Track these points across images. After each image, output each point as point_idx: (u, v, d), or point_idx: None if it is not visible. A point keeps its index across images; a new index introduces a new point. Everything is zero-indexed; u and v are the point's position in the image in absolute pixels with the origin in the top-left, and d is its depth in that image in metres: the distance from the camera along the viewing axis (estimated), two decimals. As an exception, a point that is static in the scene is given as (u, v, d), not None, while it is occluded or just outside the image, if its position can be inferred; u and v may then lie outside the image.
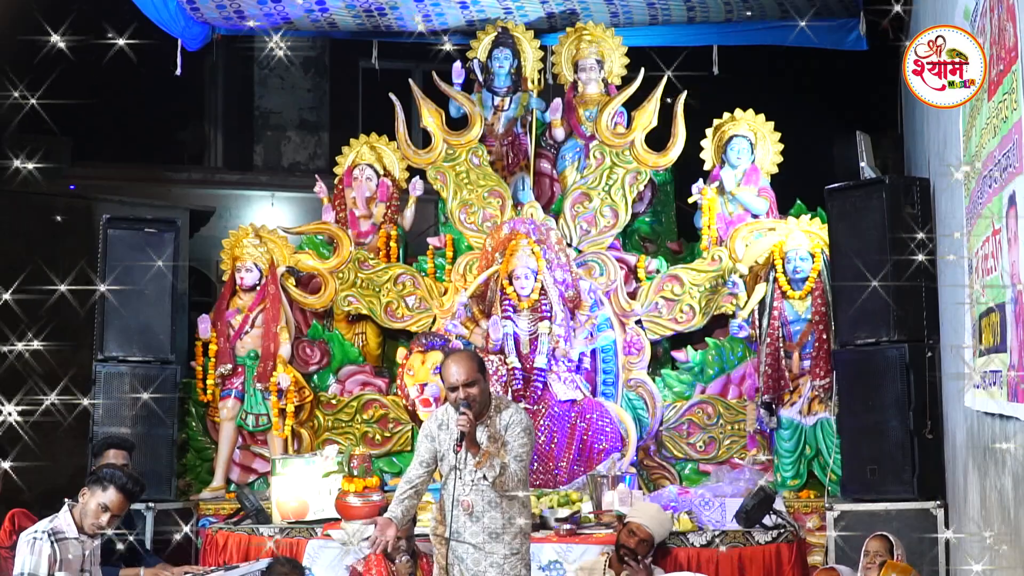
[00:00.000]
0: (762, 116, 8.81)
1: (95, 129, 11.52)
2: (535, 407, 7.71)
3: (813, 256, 7.89)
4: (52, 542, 4.95)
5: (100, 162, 11.94)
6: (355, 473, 7.03)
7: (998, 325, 4.01)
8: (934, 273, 6.73)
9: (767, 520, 6.89)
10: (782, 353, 7.84)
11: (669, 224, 9.37)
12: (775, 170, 8.84)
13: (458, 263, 8.58)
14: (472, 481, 5.11)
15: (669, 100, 8.51)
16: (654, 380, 8.35)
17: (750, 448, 8.07)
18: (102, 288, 7.39)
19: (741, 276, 8.14)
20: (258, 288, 8.42)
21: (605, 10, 9.11)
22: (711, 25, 9.22)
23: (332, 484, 7.14)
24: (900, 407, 6.81)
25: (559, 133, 9.06)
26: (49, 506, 5.35)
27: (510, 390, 7.73)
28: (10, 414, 6.60)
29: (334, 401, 8.47)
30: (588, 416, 7.79)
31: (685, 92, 8.47)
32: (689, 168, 8.91)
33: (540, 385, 7.78)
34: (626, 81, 8.96)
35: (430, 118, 8.78)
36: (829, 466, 7.51)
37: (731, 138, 8.71)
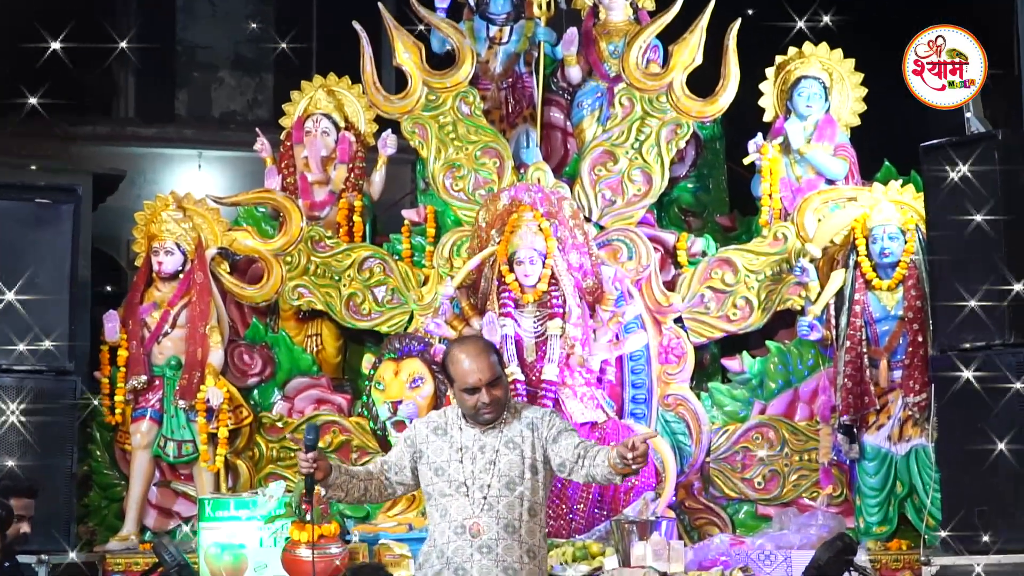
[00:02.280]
0: (839, 52, 8.81)
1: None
2: (543, 431, 7.69)
3: (905, 234, 7.88)
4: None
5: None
6: (308, 518, 7.01)
7: None
8: (1064, 255, 6.72)
9: (846, 578, 6.90)
10: (866, 361, 7.83)
11: (718, 192, 9.37)
12: (856, 122, 8.85)
13: (442, 243, 8.57)
14: (484, 499, 5.12)
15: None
16: (699, 396, 8.36)
17: (824, 485, 8.07)
18: None
19: (812, 260, 8.12)
20: (181, 276, 8.41)
21: (634, -87, 9.12)
22: (772, -68, 9.22)
23: (278, 532, 7.12)
24: (1018, 431, 6.80)
25: (574, 73, 9.04)
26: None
27: (511, 409, 7.71)
28: None
29: (280, 424, 8.46)
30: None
31: (739, 20, 8.47)
32: (744, 119, 8.91)
33: (550, 403, 7.76)
34: (661, 6, 8.93)
35: (406, 54, 8.75)
36: (926, 508, 7.50)
37: (799, 80, 8.71)
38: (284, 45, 12.16)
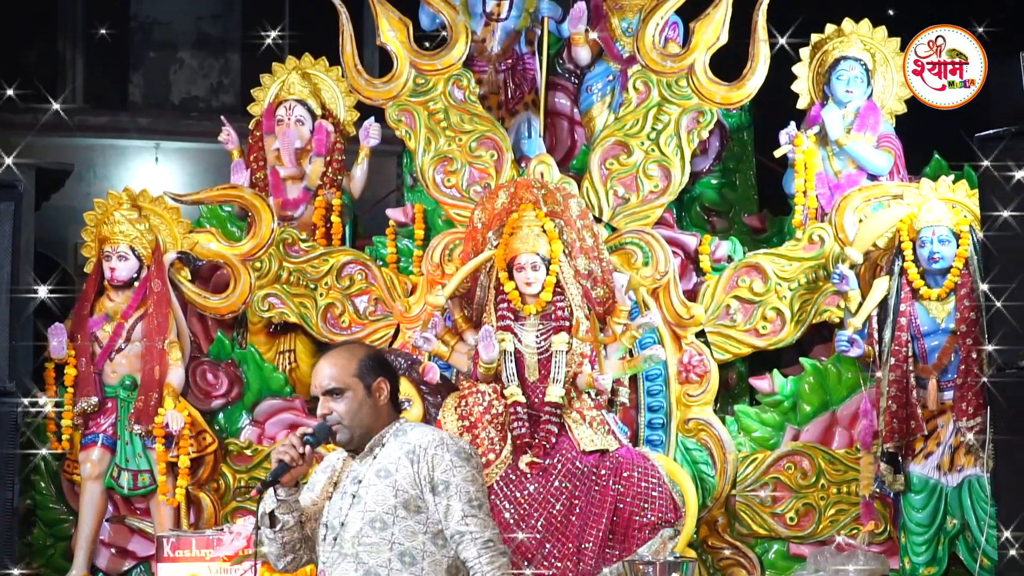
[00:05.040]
0: (882, 29, 8.83)
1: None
2: (547, 461, 7.71)
3: (958, 237, 7.90)
4: None
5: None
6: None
7: None
8: None
9: (890, 627, 6.94)
10: (912, 380, 7.85)
11: (746, 189, 9.38)
12: (902, 109, 8.85)
13: (432, 247, 8.59)
14: (355, 539, 4.75)
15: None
16: (724, 421, 8.40)
17: (865, 521, 8.10)
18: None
19: (853, 266, 8.14)
20: (136, 284, 8.43)
21: None
22: None
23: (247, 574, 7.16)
24: (1087, 460, 6.84)
25: (583, 54, 9.06)
26: None
27: (509, 435, 7.73)
28: None
29: (249, 452, 8.50)
30: (626, 475, 7.78)
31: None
32: (776, 107, 8.92)
33: (554, 429, 7.78)
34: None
35: (391, 32, 8.78)
36: (980, 546, 7.54)
37: (837, 62, 8.73)
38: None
